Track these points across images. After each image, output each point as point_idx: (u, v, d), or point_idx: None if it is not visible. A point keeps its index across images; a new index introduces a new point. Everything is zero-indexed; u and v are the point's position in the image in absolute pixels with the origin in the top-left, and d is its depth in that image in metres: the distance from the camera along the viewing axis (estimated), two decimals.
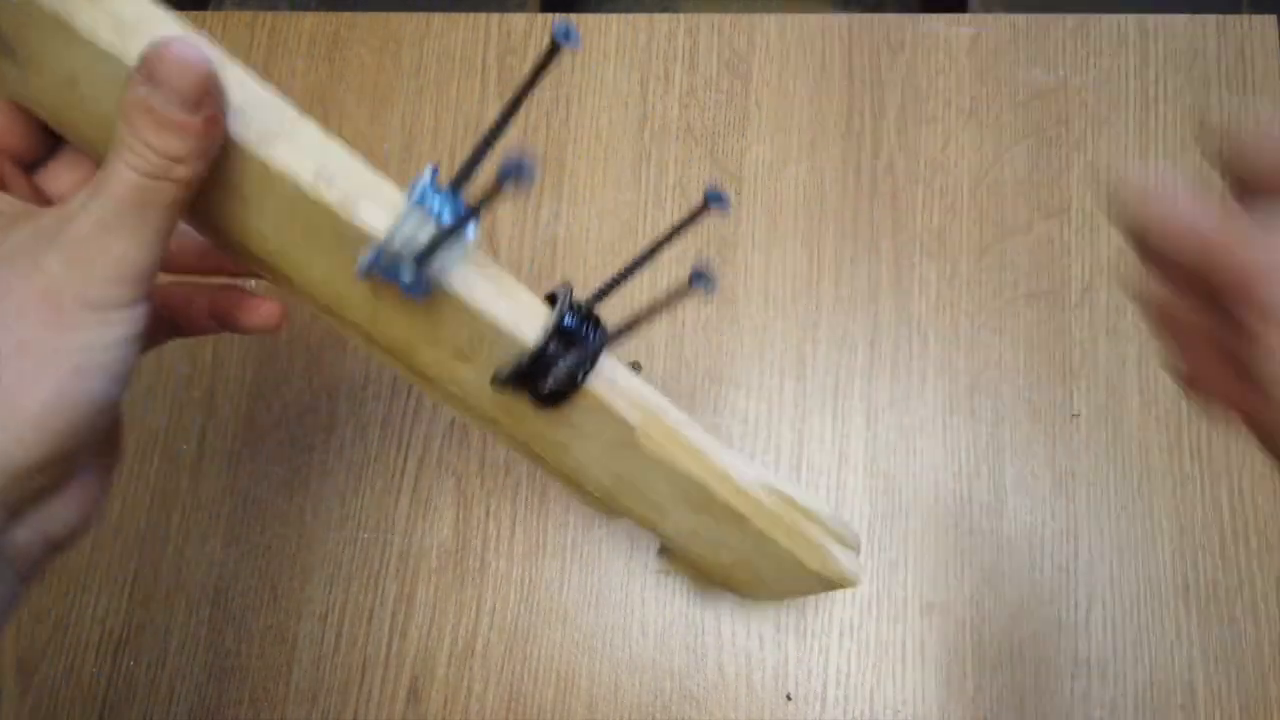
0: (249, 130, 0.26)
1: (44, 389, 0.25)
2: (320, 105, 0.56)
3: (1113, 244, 0.51)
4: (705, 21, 0.56)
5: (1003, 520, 0.48)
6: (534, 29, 0.56)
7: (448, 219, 0.27)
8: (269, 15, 0.58)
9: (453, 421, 0.51)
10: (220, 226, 0.28)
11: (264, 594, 0.49)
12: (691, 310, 0.52)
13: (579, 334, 0.30)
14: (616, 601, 0.48)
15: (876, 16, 0.55)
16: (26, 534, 0.27)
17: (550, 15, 0.56)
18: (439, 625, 0.48)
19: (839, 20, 0.55)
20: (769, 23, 0.55)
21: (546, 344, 0.29)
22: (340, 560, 0.50)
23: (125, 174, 0.25)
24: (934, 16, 0.54)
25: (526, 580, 0.49)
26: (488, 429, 0.34)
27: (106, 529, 0.50)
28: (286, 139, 0.26)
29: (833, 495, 0.49)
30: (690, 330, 0.51)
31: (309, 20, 0.57)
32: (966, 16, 0.54)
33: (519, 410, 0.32)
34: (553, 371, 0.30)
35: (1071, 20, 0.54)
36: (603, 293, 0.31)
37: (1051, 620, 0.46)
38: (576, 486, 0.35)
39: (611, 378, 0.32)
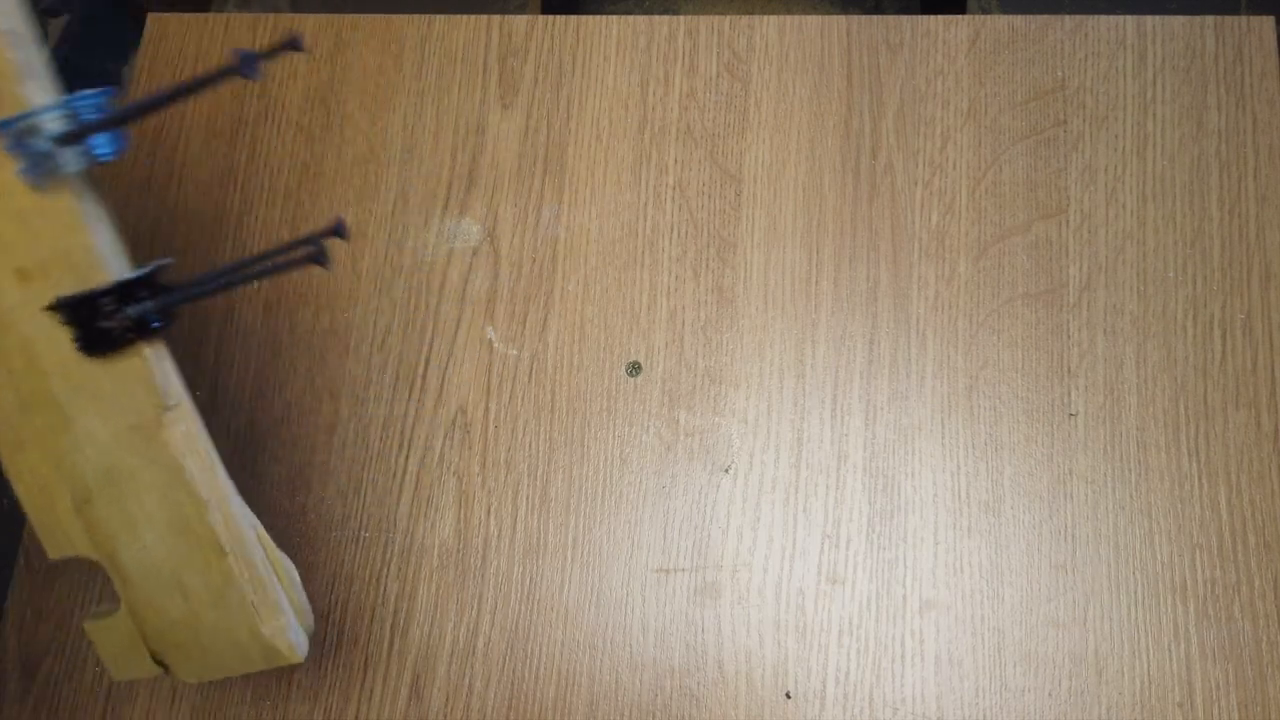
0: None
1: None
2: (322, 106, 0.56)
3: (1110, 244, 0.51)
4: (705, 23, 0.56)
5: (1001, 519, 0.48)
6: (535, 30, 0.56)
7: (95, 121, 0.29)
8: (271, 17, 0.58)
9: (454, 421, 0.51)
10: None
11: None
12: (691, 310, 0.52)
13: (155, 293, 0.31)
14: (617, 600, 0.48)
15: (876, 18, 0.55)
16: None
17: (552, 17, 0.57)
18: (440, 624, 0.49)
19: (838, 21, 0.55)
20: (768, 24, 0.56)
21: (130, 282, 0.30)
22: (342, 559, 0.50)
23: None
24: (933, 18, 0.55)
25: (527, 579, 0.49)
26: None
27: None
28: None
29: (832, 495, 0.49)
30: (690, 330, 0.52)
31: (311, 22, 0.58)
32: (965, 18, 0.55)
33: (48, 355, 0.31)
34: (119, 313, 0.30)
35: (1070, 21, 0.54)
36: (193, 288, 0.32)
37: (1049, 619, 0.47)
38: (44, 489, 0.33)
39: (161, 355, 0.32)
